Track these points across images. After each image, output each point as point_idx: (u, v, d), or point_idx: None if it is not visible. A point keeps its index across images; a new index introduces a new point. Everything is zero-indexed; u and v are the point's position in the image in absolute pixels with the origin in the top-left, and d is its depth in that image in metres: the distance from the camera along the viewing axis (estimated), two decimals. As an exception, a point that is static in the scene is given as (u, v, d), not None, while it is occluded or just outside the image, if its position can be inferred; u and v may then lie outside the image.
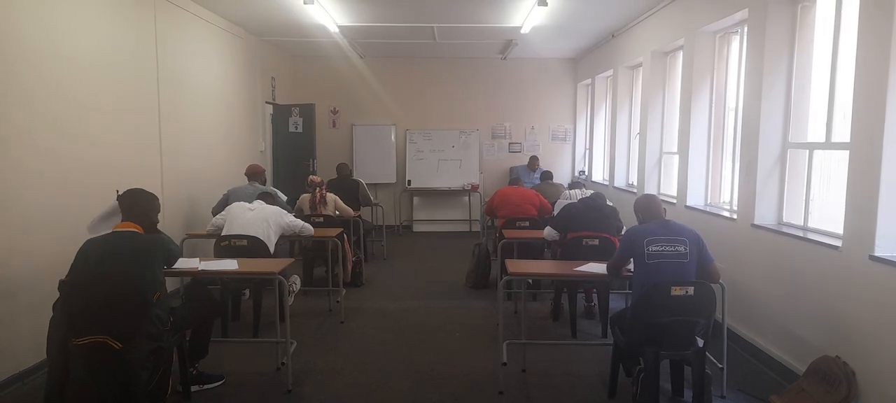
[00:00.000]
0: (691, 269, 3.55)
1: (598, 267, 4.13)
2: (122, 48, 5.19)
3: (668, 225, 3.67)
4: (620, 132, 8.43)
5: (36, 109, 4.15)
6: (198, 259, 4.35)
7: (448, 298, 6.32)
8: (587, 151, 10.55)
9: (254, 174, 6.64)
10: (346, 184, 7.82)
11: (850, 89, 3.71)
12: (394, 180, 10.83)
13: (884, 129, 3.32)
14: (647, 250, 3.56)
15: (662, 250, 3.55)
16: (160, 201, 3.73)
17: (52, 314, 3.23)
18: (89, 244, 3.32)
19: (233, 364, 4.37)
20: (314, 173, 8.97)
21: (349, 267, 6.42)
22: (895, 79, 3.29)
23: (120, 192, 3.56)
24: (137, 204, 3.52)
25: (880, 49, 3.36)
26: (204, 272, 4.11)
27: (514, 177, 7.81)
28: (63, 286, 3.15)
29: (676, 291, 3.40)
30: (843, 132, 3.98)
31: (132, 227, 3.43)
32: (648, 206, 3.85)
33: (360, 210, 7.77)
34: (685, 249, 3.56)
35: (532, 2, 6.45)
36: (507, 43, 9.18)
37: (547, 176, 8.35)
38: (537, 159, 10.19)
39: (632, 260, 3.70)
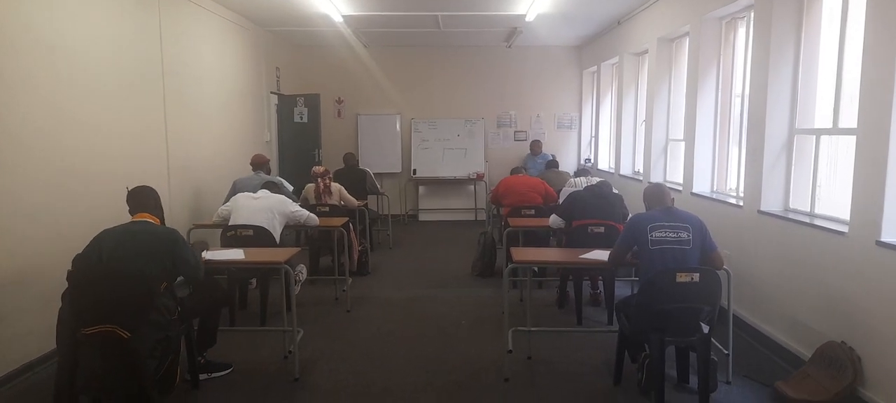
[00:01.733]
0: (694, 256, 3.55)
1: (603, 255, 4.12)
2: (126, 40, 5.20)
3: (671, 212, 3.67)
4: (626, 119, 8.39)
5: (42, 102, 4.17)
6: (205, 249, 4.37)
7: (454, 286, 6.34)
8: (593, 139, 10.52)
9: (259, 164, 6.65)
10: (353, 174, 7.84)
11: (857, 74, 3.68)
12: (399, 169, 10.83)
13: (891, 115, 3.30)
14: (651, 236, 3.56)
15: (665, 236, 3.55)
16: (166, 191, 3.76)
17: (60, 304, 3.26)
18: (105, 234, 3.37)
19: (240, 353, 4.40)
20: (319, 163, 8.99)
21: (355, 256, 6.44)
22: (903, 63, 3.26)
23: (129, 188, 3.61)
24: (151, 196, 3.60)
25: (888, 34, 3.32)
26: (211, 262, 4.13)
27: (518, 166, 7.82)
28: (71, 277, 3.17)
29: (682, 278, 3.40)
30: (850, 118, 3.95)
31: (149, 217, 3.50)
32: (655, 194, 3.85)
33: (366, 199, 7.78)
34: (688, 236, 3.56)
35: (536, -11, 6.42)
36: (512, 31, 9.14)
37: (553, 164, 8.34)
38: (539, 143, 10.23)
39: (635, 248, 3.70)
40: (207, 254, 4.18)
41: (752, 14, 4.92)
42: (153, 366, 3.24)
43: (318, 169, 6.77)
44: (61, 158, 4.35)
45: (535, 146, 10.17)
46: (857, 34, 3.74)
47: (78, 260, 3.33)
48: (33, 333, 4.03)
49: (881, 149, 3.37)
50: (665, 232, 3.56)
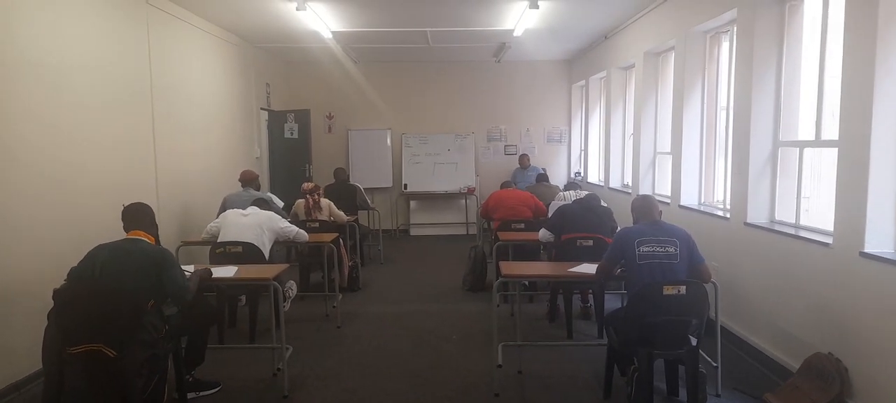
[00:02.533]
0: (682, 270, 3.57)
1: (591, 268, 4.14)
2: (115, 56, 5.20)
3: (658, 226, 3.70)
4: (614, 133, 8.46)
5: (31, 119, 4.16)
6: (193, 266, 4.36)
7: (445, 301, 6.34)
8: (582, 152, 10.58)
9: (248, 180, 6.64)
10: (344, 189, 7.84)
11: (838, 87, 3.73)
12: (390, 184, 10.84)
13: (871, 127, 3.35)
14: (639, 251, 3.58)
15: (653, 251, 3.57)
16: (155, 208, 3.76)
17: (46, 322, 3.24)
18: (99, 250, 3.36)
19: (229, 371, 4.38)
20: (310, 179, 9.00)
21: (345, 272, 6.43)
22: (881, 76, 3.32)
23: (125, 205, 3.60)
24: (146, 214, 3.59)
25: (866, 47, 3.38)
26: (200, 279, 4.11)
27: (508, 180, 7.86)
28: (57, 295, 3.16)
29: (669, 291, 3.42)
30: (832, 130, 4.00)
31: (142, 235, 3.49)
32: (642, 207, 3.87)
33: (356, 215, 7.78)
34: (675, 250, 3.58)
35: (524, 4, 6.48)
36: (501, 46, 9.21)
37: (542, 177, 8.38)
38: (527, 157, 10.25)
39: (623, 261, 3.72)
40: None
41: (736, 28, 5.00)
42: (140, 385, 3.22)
43: (308, 185, 6.78)
44: (49, 174, 4.33)
45: (524, 159, 10.21)
46: (838, 47, 3.80)
47: (73, 274, 3.32)
48: (20, 351, 3.98)
49: (862, 161, 3.42)
50: (653, 246, 3.59)
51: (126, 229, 3.52)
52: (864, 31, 3.40)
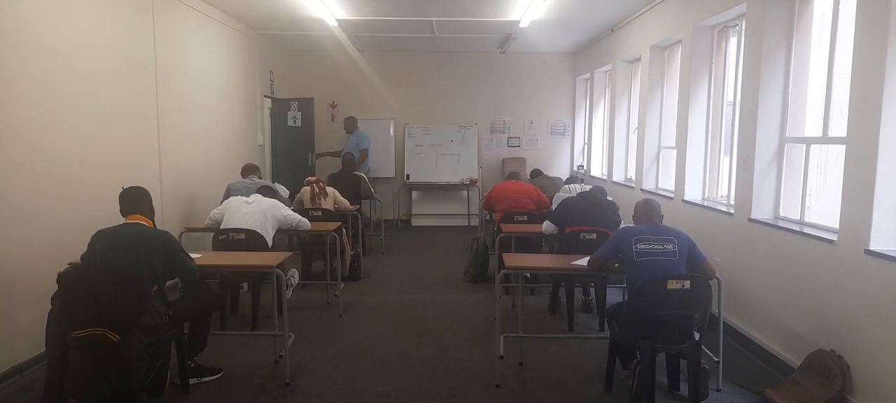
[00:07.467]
0: (680, 268, 3.58)
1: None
2: (119, 42, 5.18)
3: (657, 227, 3.74)
4: (619, 126, 8.43)
5: (33, 103, 4.15)
6: (197, 253, 4.36)
7: (446, 292, 6.34)
8: (585, 146, 10.55)
9: (249, 170, 6.66)
10: (347, 178, 7.81)
11: (847, 84, 3.71)
12: (392, 174, 10.83)
13: (880, 124, 3.33)
14: (636, 248, 3.60)
15: (651, 248, 3.59)
16: (158, 195, 3.76)
17: (50, 307, 3.24)
18: (99, 235, 3.37)
19: (231, 357, 4.39)
20: (312, 166, 9.02)
21: (347, 261, 6.43)
22: (891, 74, 3.30)
23: (123, 188, 3.60)
24: (145, 198, 3.60)
25: (877, 44, 3.36)
26: (203, 265, 4.11)
27: (514, 170, 7.84)
28: (61, 279, 3.16)
29: (673, 285, 3.42)
30: (839, 127, 3.98)
31: (141, 219, 3.50)
32: (644, 210, 3.89)
33: (359, 204, 7.77)
34: (673, 247, 3.60)
35: (531, -4, 6.45)
36: (506, 37, 9.17)
37: (536, 173, 8.34)
38: (354, 120, 9.66)
39: (619, 258, 3.74)
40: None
41: (744, 23, 4.97)
42: (143, 370, 3.22)
43: (312, 179, 6.81)
44: (51, 161, 4.32)
45: (349, 123, 9.61)
46: (847, 44, 3.77)
47: (83, 259, 3.34)
48: (22, 335, 4.00)
49: (870, 159, 3.40)
50: (650, 244, 3.61)
51: (124, 213, 3.51)
52: (876, 28, 3.37)
